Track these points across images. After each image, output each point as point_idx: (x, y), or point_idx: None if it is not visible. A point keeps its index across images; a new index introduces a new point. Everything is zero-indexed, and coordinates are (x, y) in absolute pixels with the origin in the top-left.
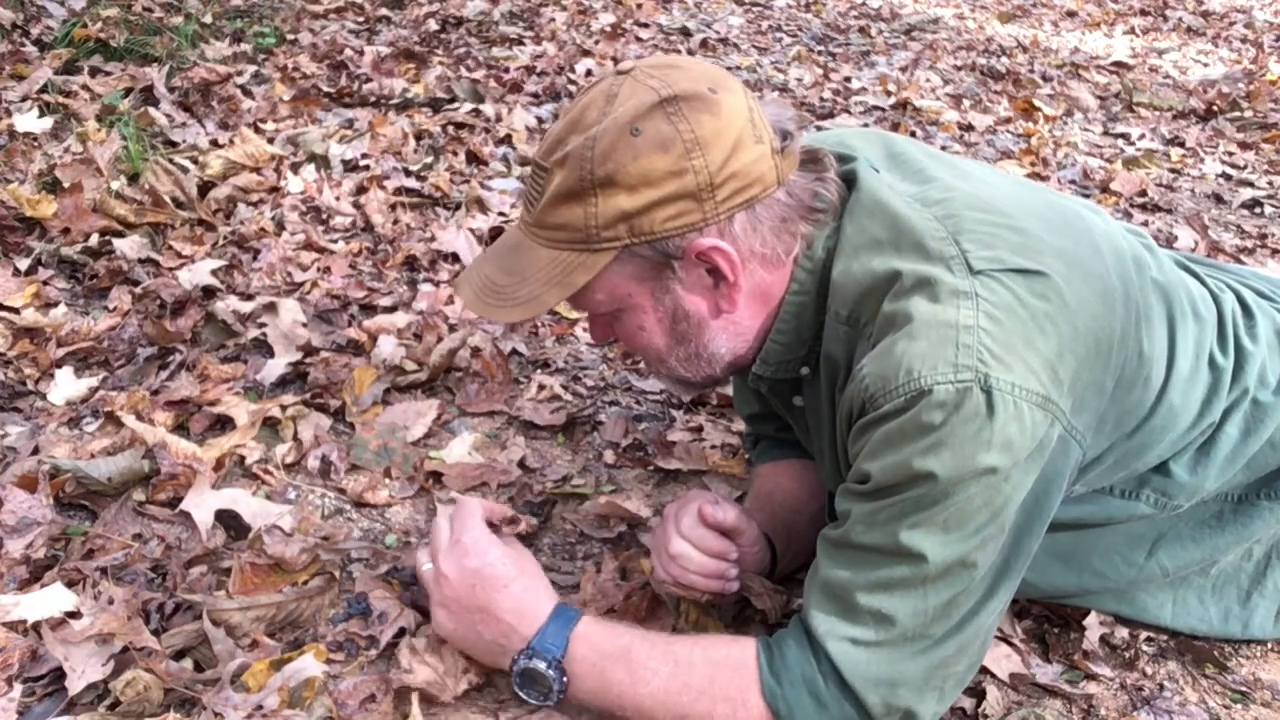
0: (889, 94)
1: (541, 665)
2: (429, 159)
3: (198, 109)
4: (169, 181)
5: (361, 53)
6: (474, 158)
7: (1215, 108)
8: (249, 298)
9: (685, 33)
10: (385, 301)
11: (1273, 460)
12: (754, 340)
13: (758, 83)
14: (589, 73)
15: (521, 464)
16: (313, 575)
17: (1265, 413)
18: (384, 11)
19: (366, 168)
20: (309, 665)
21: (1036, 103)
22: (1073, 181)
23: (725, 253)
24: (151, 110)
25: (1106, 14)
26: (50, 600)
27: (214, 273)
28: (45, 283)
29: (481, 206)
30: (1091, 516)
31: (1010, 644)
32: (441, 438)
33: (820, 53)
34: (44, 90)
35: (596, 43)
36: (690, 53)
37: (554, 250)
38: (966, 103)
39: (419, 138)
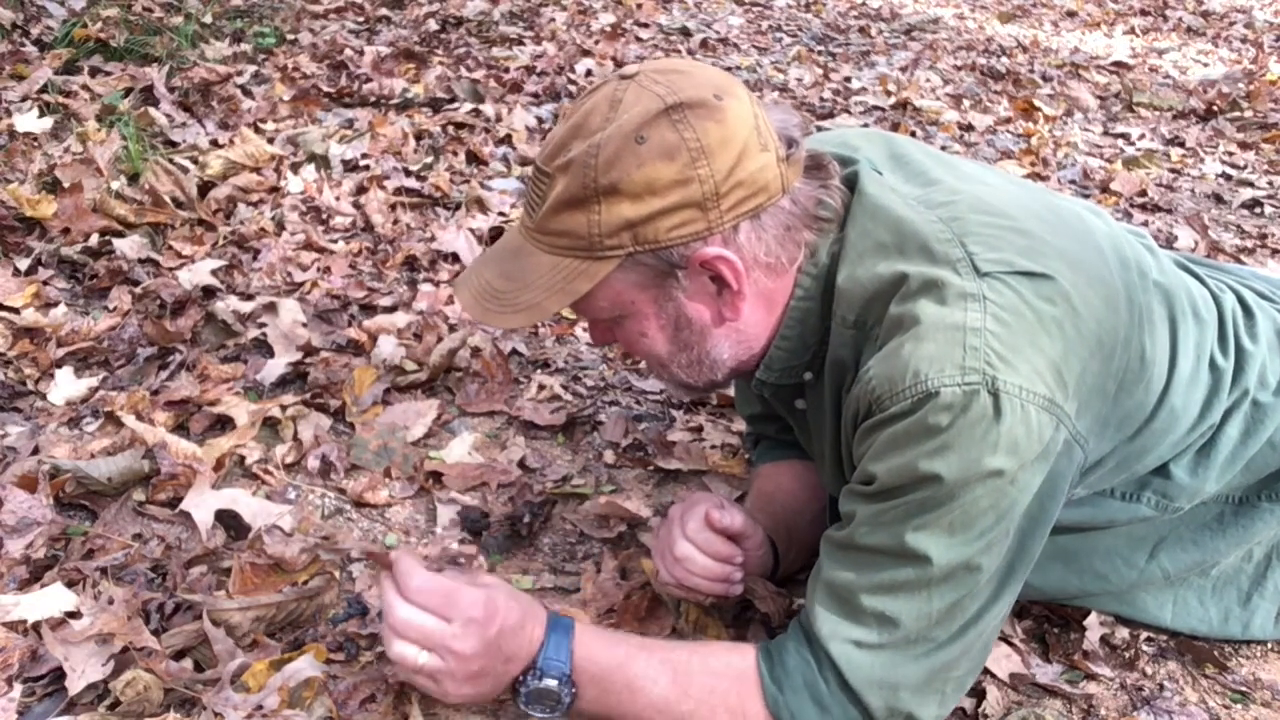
0: (889, 94)
1: (553, 683)
2: (429, 159)
3: (198, 109)
4: (169, 181)
5: (361, 53)
6: (474, 158)
7: (1215, 108)
8: (249, 298)
9: (685, 33)
10: (385, 301)
11: (1273, 461)
12: (758, 346)
13: (758, 83)
14: (589, 73)
15: (521, 464)
16: (313, 575)
17: (1265, 414)
18: (384, 11)
19: (366, 168)
20: (309, 665)
21: (1036, 103)
22: (1073, 181)
23: (729, 262)
24: (151, 110)
25: (1106, 14)
26: (50, 600)
27: (214, 273)
28: (45, 283)
29: (481, 206)
30: (1092, 519)
31: (1010, 644)
32: (441, 438)
33: (820, 53)
34: (44, 90)
35: (596, 43)
36: (690, 53)
37: (556, 257)
38: (966, 103)
39: (419, 138)
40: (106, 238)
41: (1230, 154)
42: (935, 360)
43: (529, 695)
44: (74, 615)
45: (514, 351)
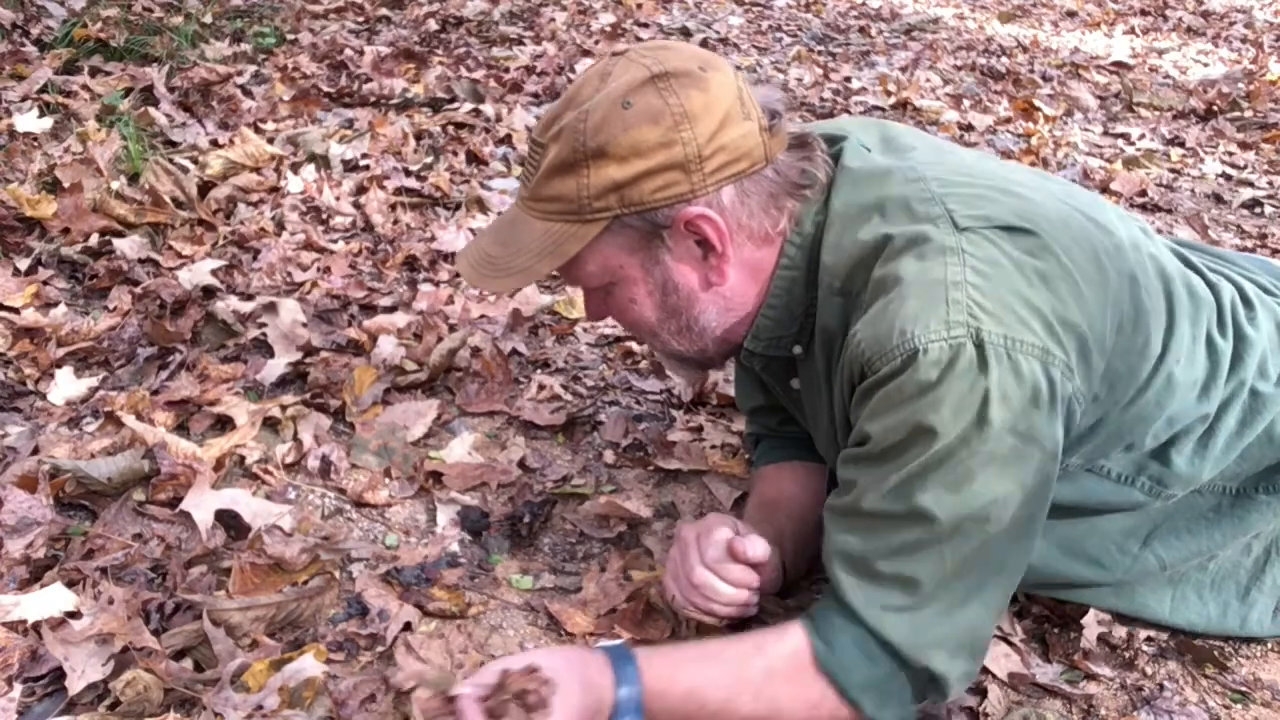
0: (889, 94)
1: None
2: (429, 159)
3: (198, 109)
4: (169, 181)
5: (361, 53)
6: (474, 158)
7: (1215, 108)
8: (249, 298)
9: (685, 33)
10: (385, 301)
11: (1270, 454)
12: (745, 317)
13: (758, 82)
14: None
15: (521, 464)
16: (313, 575)
17: (1263, 404)
18: (384, 11)
19: (366, 168)
20: (309, 665)
21: (1036, 103)
22: (1073, 181)
23: (713, 221)
24: (151, 110)
25: (1106, 14)
26: (50, 600)
27: (214, 273)
28: (45, 283)
29: (481, 206)
30: (1085, 499)
31: (1010, 644)
32: (441, 438)
33: (820, 53)
34: (44, 90)
35: (596, 43)
36: None
37: (547, 222)
38: (966, 103)
39: (419, 138)
40: (106, 238)
41: (1230, 154)
42: (919, 317)
43: None
44: (74, 615)
45: (514, 351)
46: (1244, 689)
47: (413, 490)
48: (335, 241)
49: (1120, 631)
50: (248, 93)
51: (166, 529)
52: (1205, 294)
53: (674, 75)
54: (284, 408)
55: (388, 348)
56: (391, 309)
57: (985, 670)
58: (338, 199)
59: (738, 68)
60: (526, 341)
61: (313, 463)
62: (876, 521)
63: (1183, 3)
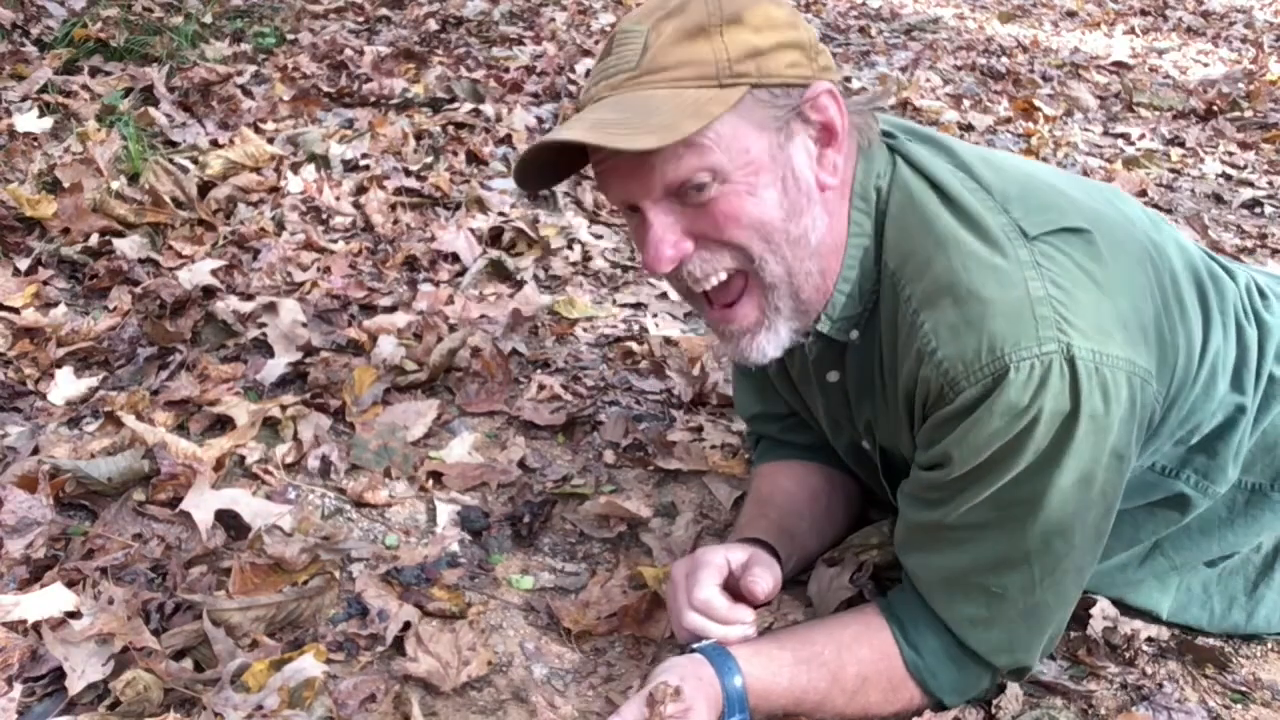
0: (889, 94)
1: None
2: (429, 159)
3: (198, 109)
4: (169, 181)
5: (361, 53)
6: (474, 158)
7: (1215, 108)
8: (249, 298)
9: None
10: (385, 301)
11: None
12: (827, 277)
13: None
14: (589, 73)
15: (521, 464)
16: (313, 575)
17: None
18: (384, 11)
19: (366, 168)
20: (309, 665)
21: (1036, 103)
22: None
23: (840, 102)
24: (151, 110)
25: (1106, 14)
26: (50, 600)
27: (214, 273)
28: (45, 283)
29: (481, 206)
30: (1134, 498)
31: None
32: (441, 438)
33: None
34: (44, 90)
35: (596, 43)
36: None
37: (677, 89)
38: (966, 103)
39: (419, 138)
40: (106, 238)
41: (1230, 154)
42: (1008, 336)
43: None
44: (74, 615)
45: (514, 351)
46: (1244, 689)
47: (413, 490)
48: (335, 241)
49: (1122, 629)
50: (248, 93)
51: (166, 529)
52: (1227, 281)
53: None
54: (284, 408)
55: (388, 348)
56: (391, 309)
57: None
58: (338, 199)
59: None
60: (526, 341)
61: (313, 463)
62: (963, 536)
63: (1183, 3)
